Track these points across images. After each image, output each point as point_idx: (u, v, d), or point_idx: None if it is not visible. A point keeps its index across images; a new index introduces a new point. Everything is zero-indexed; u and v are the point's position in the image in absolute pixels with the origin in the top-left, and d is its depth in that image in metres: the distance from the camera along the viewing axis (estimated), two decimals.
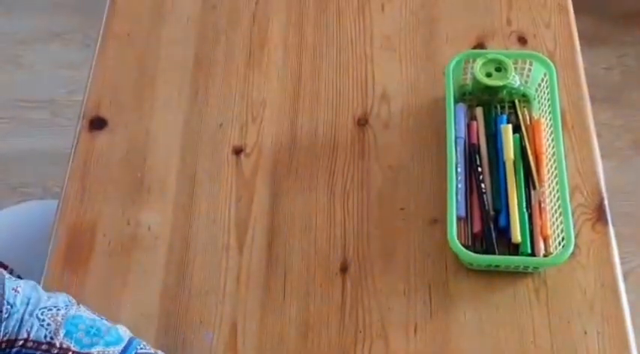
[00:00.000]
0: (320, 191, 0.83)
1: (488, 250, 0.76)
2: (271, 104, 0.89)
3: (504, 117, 0.84)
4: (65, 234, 0.81)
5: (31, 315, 0.63)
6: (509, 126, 0.82)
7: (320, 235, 0.81)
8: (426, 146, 0.85)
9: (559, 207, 0.75)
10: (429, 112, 0.87)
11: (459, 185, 0.78)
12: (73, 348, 0.62)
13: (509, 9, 0.95)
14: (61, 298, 0.67)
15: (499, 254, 0.76)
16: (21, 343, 0.62)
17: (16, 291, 0.64)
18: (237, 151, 0.86)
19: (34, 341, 0.62)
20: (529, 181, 0.79)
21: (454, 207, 0.75)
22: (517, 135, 0.81)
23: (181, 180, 0.85)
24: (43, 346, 0.62)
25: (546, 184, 0.78)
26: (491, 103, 0.85)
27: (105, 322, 0.67)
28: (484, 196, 0.78)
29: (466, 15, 0.95)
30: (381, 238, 0.80)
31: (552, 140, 0.79)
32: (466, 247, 0.74)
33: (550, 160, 0.79)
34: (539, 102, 0.85)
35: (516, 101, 0.84)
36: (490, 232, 0.76)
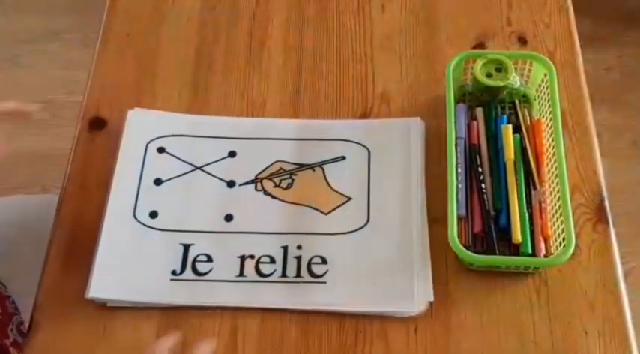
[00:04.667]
0: None
1: (489, 250, 0.76)
2: (271, 104, 0.89)
3: (504, 117, 0.84)
4: (64, 234, 0.80)
5: None
6: (510, 126, 0.81)
7: None
8: (426, 146, 0.85)
9: (559, 207, 0.75)
10: (429, 112, 0.87)
11: (460, 185, 0.78)
12: None
13: (510, 9, 0.95)
14: None
15: (499, 254, 0.76)
16: None
17: None
18: None
19: None
20: (529, 182, 0.79)
21: (455, 207, 0.75)
22: (517, 135, 0.81)
23: None
24: None
25: (547, 185, 0.78)
26: (492, 104, 0.85)
27: None
28: (484, 196, 0.78)
29: (466, 15, 0.95)
30: None
31: (552, 140, 0.79)
32: (466, 247, 0.74)
33: (550, 160, 0.79)
34: (539, 102, 0.85)
35: (516, 101, 0.84)
36: (491, 232, 0.76)
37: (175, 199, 0.81)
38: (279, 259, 0.77)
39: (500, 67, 0.84)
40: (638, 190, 1.65)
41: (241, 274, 0.76)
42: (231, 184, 0.82)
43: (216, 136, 0.85)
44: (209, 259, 0.77)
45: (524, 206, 0.77)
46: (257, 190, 0.81)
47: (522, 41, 0.93)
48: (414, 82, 0.90)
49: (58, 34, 1.94)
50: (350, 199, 0.80)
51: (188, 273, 0.76)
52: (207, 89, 0.90)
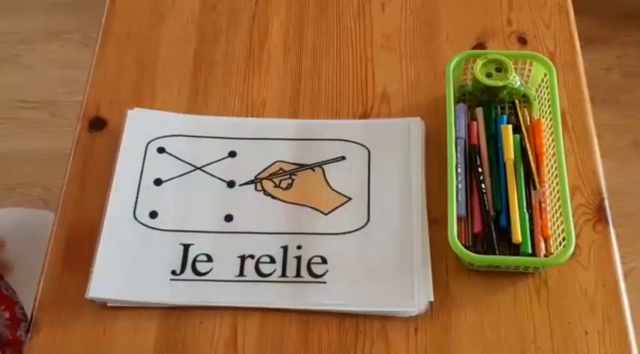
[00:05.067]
0: None
1: (489, 251, 0.76)
2: (271, 104, 0.89)
3: (504, 117, 0.84)
4: (65, 234, 0.80)
5: None
6: (510, 126, 0.81)
7: None
8: (426, 146, 0.85)
9: (559, 207, 0.75)
10: (429, 112, 0.87)
11: (460, 185, 0.78)
12: None
13: (510, 9, 0.95)
14: None
15: (500, 254, 0.76)
16: None
17: None
18: None
19: None
20: (529, 182, 0.79)
21: (455, 207, 0.75)
22: (517, 135, 0.81)
23: None
24: None
25: (547, 185, 0.78)
26: (492, 104, 0.85)
27: None
28: (484, 196, 0.78)
29: (466, 15, 0.95)
30: None
31: (552, 141, 0.79)
32: (467, 247, 0.74)
33: (550, 160, 0.79)
34: (539, 102, 0.85)
35: (516, 102, 0.84)
36: (491, 233, 0.76)
37: (175, 199, 0.81)
38: (279, 259, 0.77)
39: (500, 67, 0.83)
40: (638, 190, 1.65)
41: (241, 274, 0.77)
42: (231, 184, 0.82)
43: (216, 136, 0.85)
44: (209, 259, 0.77)
45: (524, 206, 0.77)
46: (257, 190, 0.82)
47: (522, 41, 0.93)
48: (414, 82, 0.90)
49: (58, 34, 1.94)
50: (350, 199, 0.81)
51: (188, 273, 0.77)
52: (207, 89, 0.90)
